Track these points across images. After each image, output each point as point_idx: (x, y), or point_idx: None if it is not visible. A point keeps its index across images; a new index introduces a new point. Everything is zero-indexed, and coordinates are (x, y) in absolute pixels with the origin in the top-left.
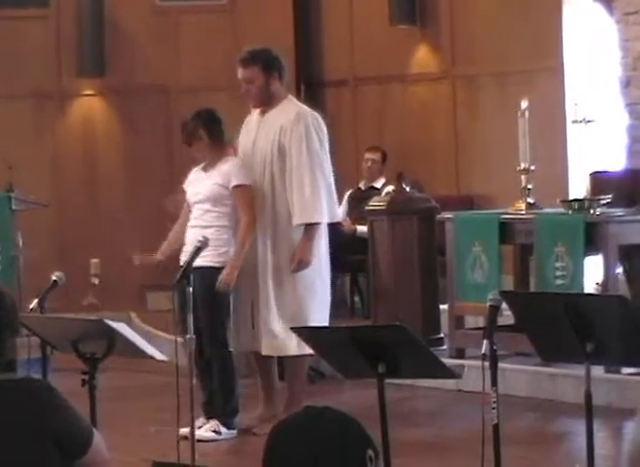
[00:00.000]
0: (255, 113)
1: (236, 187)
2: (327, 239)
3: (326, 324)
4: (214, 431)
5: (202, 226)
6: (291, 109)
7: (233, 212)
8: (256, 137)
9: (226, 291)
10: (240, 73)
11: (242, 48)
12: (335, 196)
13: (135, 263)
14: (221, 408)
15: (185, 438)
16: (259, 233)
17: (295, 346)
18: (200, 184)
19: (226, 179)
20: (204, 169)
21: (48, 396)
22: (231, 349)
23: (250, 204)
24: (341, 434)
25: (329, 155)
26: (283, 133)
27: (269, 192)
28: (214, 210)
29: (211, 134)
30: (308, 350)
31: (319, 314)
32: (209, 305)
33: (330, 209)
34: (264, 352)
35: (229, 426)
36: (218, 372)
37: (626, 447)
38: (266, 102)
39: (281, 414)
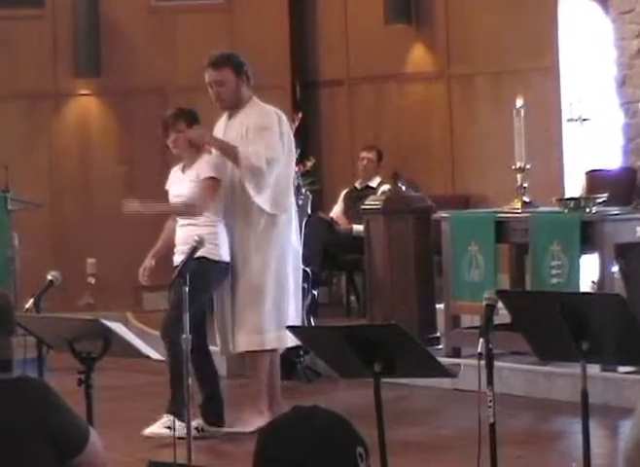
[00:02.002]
0: (223, 116)
1: (204, 179)
2: (298, 233)
3: (298, 318)
4: (168, 427)
5: (193, 224)
6: (256, 111)
7: (219, 204)
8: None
9: None
10: (210, 76)
11: (238, 47)
12: (286, 190)
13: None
14: (175, 400)
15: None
16: (229, 233)
17: (274, 339)
18: (180, 185)
19: (199, 175)
20: (183, 170)
21: (44, 395)
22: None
23: (207, 196)
24: (331, 432)
25: (294, 152)
26: (248, 137)
27: (239, 191)
28: None
29: (190, 128)
30: (289, 343)
31: (292, 305)
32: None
33: (273, 199)
34: (244, 349)
35: (180, 418)
36: (168, 358)
37: (623, 446)
38: (236, 105)
39: (250, 409)
